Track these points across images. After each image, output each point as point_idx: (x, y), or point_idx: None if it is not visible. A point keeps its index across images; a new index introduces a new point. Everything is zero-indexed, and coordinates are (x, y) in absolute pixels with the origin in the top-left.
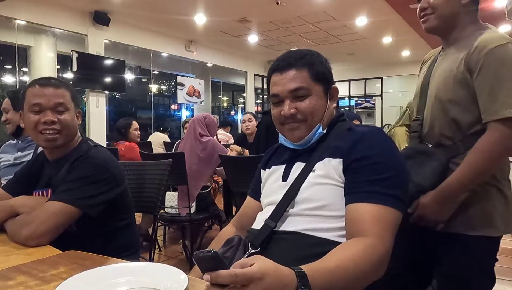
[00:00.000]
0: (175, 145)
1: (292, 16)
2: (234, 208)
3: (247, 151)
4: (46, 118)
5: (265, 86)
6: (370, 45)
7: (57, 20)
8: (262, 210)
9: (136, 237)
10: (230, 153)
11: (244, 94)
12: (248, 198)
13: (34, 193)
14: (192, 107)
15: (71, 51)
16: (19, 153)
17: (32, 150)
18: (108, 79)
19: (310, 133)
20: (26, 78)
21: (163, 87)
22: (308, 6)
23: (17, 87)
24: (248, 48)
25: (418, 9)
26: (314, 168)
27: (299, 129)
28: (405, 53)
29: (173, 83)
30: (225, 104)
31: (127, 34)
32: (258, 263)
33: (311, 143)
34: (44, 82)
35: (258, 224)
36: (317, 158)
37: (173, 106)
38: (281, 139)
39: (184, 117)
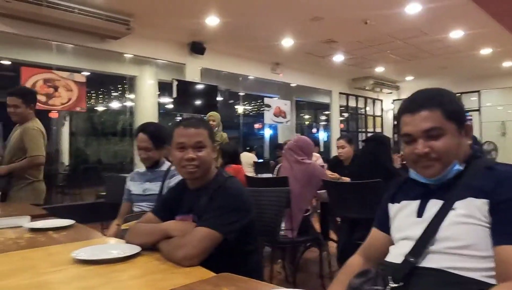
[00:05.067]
0: (276, 169)
1: (381, 34)
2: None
3: (345, 178)
4: (188, 155)
5: (350, 104)
6: (465, 57)
7: (159, 52)
8: (390, 243)
9: (260, 264)
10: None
11: (326, 112)
12: (375, 230)
13: (176, 217)
14: (275, 126)
15: (172, 79)
16: (147, 184)
17: (160, 182)
18: (202, 103)
19: (445, 169)
20: (130, 104)
21: (249, 108)
22: (398, 23)
23: (125, 112)
24: (332, 67)
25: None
26: (454, 207)
27: (433, 167)
28: (507, 64)
29: (259, 103)
30: (306, 122)
31: (219, 61)
32: None
33: (446, 179)
34: (187, 123)
35: (393, 258)
36: (456, 197)
37: (256, 125)
38: (412, 174)
39: (267, 136)
